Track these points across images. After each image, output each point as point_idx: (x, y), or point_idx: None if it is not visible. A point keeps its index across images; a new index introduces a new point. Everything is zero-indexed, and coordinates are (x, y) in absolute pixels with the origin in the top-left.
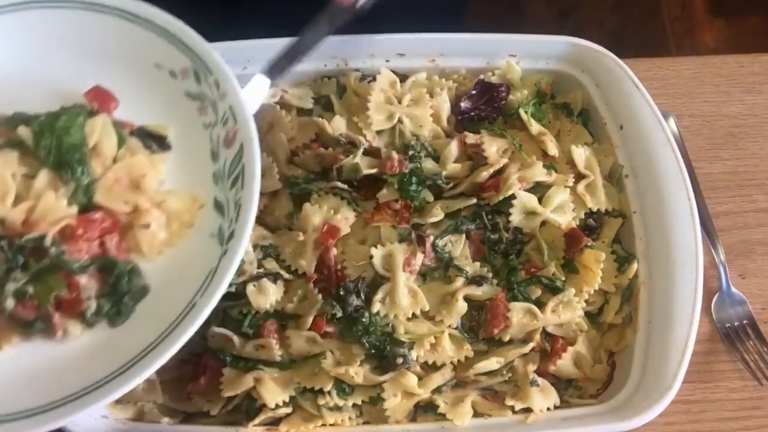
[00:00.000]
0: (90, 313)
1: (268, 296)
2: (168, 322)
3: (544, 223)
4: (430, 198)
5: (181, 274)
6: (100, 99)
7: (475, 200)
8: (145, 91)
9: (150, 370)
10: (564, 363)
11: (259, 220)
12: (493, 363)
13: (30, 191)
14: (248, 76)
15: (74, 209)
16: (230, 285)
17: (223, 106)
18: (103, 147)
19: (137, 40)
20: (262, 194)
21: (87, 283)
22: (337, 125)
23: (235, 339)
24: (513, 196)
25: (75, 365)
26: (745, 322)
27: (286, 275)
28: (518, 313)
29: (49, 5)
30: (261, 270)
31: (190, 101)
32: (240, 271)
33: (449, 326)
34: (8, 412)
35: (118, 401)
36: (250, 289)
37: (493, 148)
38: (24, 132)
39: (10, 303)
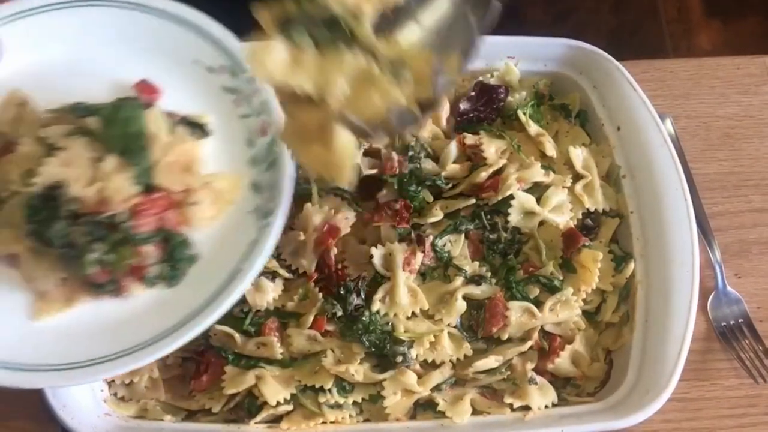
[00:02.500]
0: (151, 276)
1: (265, 294)
2: (217, 283)
3: (542, 223)
4: (430, 198)
5: (224, 244)
6: (147, 90)
7: (474, 200)
8: (185, 84)
9: (204, 326)
10: (562, 361)
11: None
12: (491, 361)
13: (99, 173)
14: None
15: (139, 189)
16: None
17: (256, 100)
18: (158, 135)
19: (178, 39)
20: None
21: (150, 251)
22: None
23: (237, 337)
24: (511, 197)
25: (137, 320)
26: (740, 320)
27: (285, 274)
28: (517, 312)
29: (102, 4)
30: None
31: (227, 94)
32: None
33: (448, 325)
34: (76, 360)
35: (122, 399)
36: (248, 287)
37: (492, 148)
38: (92, 122)
39: (91, 269)
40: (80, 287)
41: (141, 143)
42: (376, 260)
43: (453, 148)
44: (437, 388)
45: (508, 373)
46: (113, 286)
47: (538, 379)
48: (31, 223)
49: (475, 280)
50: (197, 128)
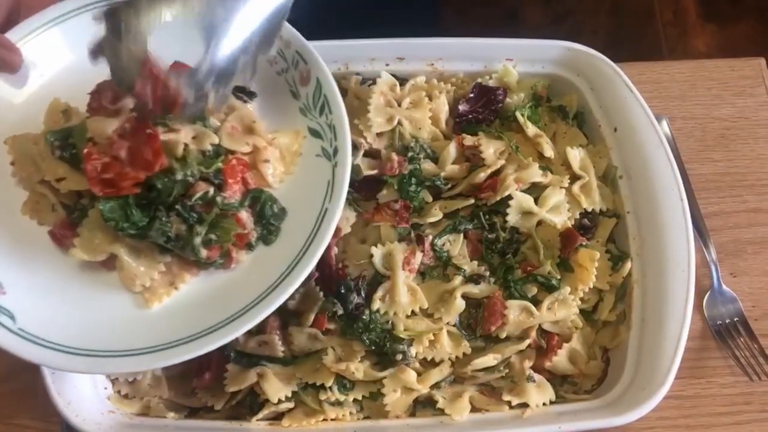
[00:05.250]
0: (254, 240)
1: None
2: (310, 228)
3: (540, 223)
4: (429, 198)
5: (305, 193)
6: (182, 69)
7: (472, 200)
8: None
9: (310, 266)
10: (559, 359)
11: None
12: (490, 359)
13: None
14: None
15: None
16: None
17: (290, 53)
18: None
19: (201, 5)
20: None
21: (246, 216)
22: None
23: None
24: (510, 197)
25: (244, 282)
26: (735, 319)
27: None
28: (515, 311)
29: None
30: None
31: None
32: None
33: (447, 323)
34: (194, 332)
35: (125, 396)
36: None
37: (491, 149)
38: None
39: (203, 252)
40: (183, 268)
41: (201, 113)
42: (377, 260)
43: (452, 149)
44: (436, 385)
45: (507, 371)
46: (223, 260)
47: (536, 376)
48: (131, 226)
49: (474, 279)
50: (242, 92)
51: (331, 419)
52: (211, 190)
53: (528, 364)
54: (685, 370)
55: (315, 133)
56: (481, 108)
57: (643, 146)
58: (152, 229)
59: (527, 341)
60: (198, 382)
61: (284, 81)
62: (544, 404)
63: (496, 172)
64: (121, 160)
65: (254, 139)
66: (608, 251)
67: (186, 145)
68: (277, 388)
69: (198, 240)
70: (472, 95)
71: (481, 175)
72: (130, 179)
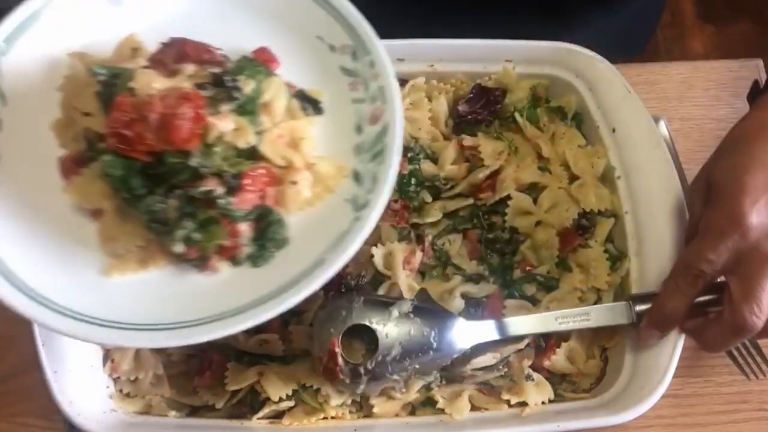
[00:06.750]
0: (242, 256)
1: None
2: (299, 270)
3: (538, 223)
4: (429, 198)
5: (315, 232)
6: (266, 58)
7: (472, 201)
8: (305, 58)
9: (282, 308)
10: (558, 358)
11: None
12: (489, 358)
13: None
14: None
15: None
16: None
17: (373, 86)
18: (273, 105)
19: (307, 11)
20: None
21: (245, 230)
22: None
23: (240, 334)
24: (509, 197)
25: (210, 293)
26: None
27: None
28: (514, 310)
29: None
30: None
31: (344, 75)
32: None
33: None
34: (142, 323)
35: (127, 395)
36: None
37: (490, 150)
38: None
39: (179, 247)
40: (160, 253)
41: (253, 107)
42: (377, 259)
43: (451, 150)
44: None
45: (506, 370)
46: (199, 262)
47: (535, 375)
48: (126, 190)
49: (473, 278)
50: (310, 105)
51: (332, 417)
52: (219, 190)
53: (527, 363)
54: (683, 369)
55: (357, 178)
56: (481, 109)
57: (641, 147)
58: (144, 200)
59: (526, 340)
60: (199, 381)
61: (354, 111)
62: (542, 403)
63: (495, 173)
64: (148, 123)
65: (294, 156)
66: (606, 251)
67: (221, 135)
68: (277, 387)
69: (180, 233)
70: (471, 96)
71: (480, 176)
72: (146, 146)
